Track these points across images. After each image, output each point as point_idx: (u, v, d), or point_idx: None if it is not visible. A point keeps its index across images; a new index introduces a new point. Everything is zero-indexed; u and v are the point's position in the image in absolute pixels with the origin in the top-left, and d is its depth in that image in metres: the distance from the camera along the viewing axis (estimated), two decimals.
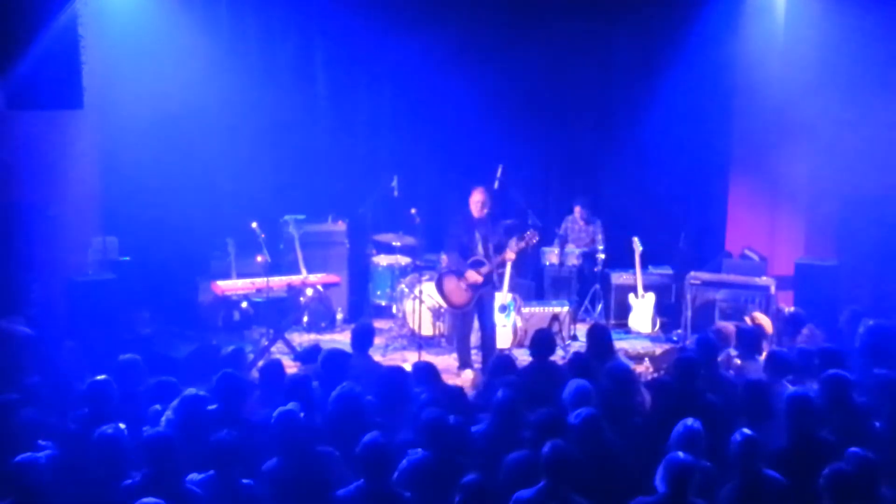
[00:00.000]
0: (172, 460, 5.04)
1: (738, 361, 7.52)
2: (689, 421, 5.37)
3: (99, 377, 6.07)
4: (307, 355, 7.80)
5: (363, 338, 7.45)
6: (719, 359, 7.18)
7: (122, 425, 5.33)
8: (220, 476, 5.10)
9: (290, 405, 5.57)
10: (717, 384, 6.56)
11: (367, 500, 5.02)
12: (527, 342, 7.77)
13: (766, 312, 9.43)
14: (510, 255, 8.84)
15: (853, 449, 5.11)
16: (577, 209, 10.95)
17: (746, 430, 5.26)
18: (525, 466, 5.23)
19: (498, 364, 7.00)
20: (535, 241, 8.98)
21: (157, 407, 6.14)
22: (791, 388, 6.07)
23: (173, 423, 5.76)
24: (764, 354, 7.38)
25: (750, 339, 7.56)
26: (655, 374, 8.04)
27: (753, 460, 5.16)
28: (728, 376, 6.89)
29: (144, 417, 6.01)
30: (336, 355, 6.83)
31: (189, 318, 10.00)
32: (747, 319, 9.07)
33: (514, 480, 5.18)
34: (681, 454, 4.91)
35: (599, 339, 7.50)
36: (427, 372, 6.76)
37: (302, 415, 5.49)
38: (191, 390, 5.95)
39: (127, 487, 5.01)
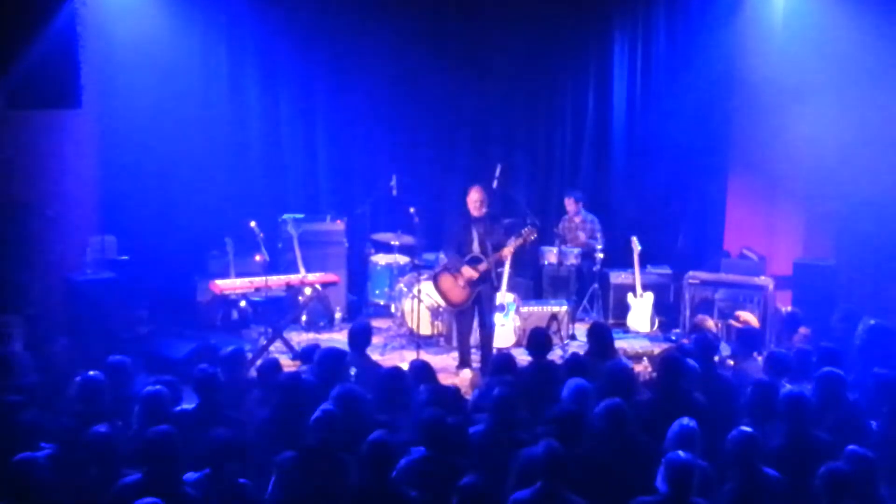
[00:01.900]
0: (173, 458, 5.04)
1: (731, 362, 7.53)
2: (685, 420, 5.38)
3: (90, 373, 6.07)
4: (306, 354, 7.81)
5: (361, 337, 7.45)
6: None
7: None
8: (215, 475, 5.10)
9: (325, 405, 5.58)
10: (713, 383, 6.56)
11: (372, 498, 5.03)
12: (525, 342, 7.76)
13: (764, 312, 9.45)
14: (507, 251, 8.84)
15: (851, 447, 5.11)
16: (569, 201, 10.94)
17: (745, 428, 5.27)
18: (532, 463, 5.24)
19: (498, 363, 7.00)
20: (532, 237, 8.96)
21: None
22: (788, 388, 6.07)
23: (140, 420, 5.77)
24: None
25: (748, 339, 7.57)
26: (654, 374, 8.04)
27: (752, 458, 5.16)
28: (725, 376, 6.89)
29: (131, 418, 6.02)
30: (332, 354, 6.83)
31: (187, 317, 10.00)
32: (733, 322, 9.10)
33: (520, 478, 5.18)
34: (681, 453, 4.90)
35: (600, 337, 7.49)
36: (423, 371, 6.75)
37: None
38: (152, 387, 5.97)
39: (125, 485, 5.00)
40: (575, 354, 7.26)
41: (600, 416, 5.47)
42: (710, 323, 8.89)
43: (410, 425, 5.91)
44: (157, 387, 5.97)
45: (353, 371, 6.90)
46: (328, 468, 5.28)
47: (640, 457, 5.40)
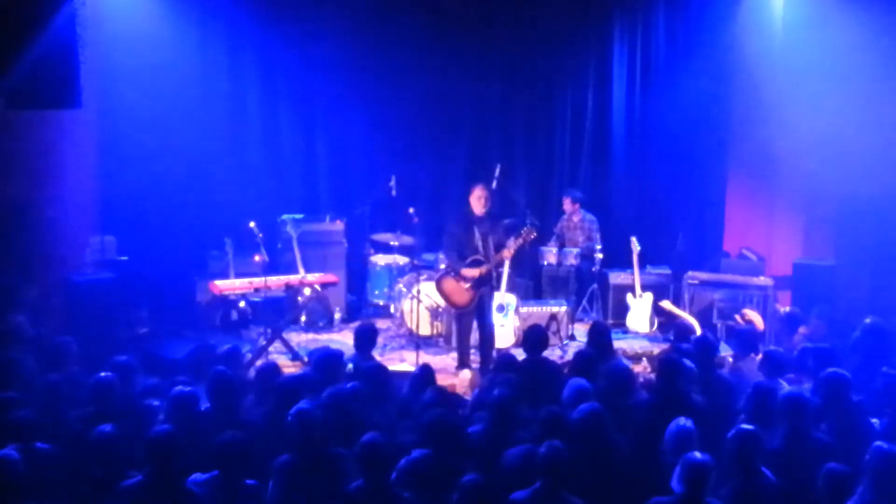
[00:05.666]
0: (175, 459, 5.03)
1: (731, 360, 7.53)
2: (682, 420, 5.38)
3: (102, 374, 6.08)
4: (312, 356, 7.80)
5: (366, 339, 7.44)
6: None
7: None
8: (224, 476, 5.10)
9: (303, 403, 5.57)
10: (712, 384, 6.55)
11: (367, 499, 5.02)
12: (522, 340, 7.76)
13: (764, 312, 9.45)
14: (507, 252, 8.84)
15: (878, 444, 5.05)
16: (566, 201, 10.93)
17: (746, 426, 5.26)
18: (525, 463, 5.24)
19: (500, 363, 6.99)
20: (532, 237, 8.96)
21: (155, 402, 6.16)
22: (787, 388, 6.07)
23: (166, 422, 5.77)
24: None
25: (745, 339, 7.57)
26: (653, 375, 8.04)
27: (752, 456, 5.14)
28: (725, 376, 6.88)
29: (139, 418, 6.01)
30: (329, 356, 6.82)
31: (187, 317, 9.98)
32: (738, 318, 9.10)
33: (513, 477, 5.18)
34: (698, 454, 4.87)
35: (599, 337, 7.49)
36: (422, 377, 6.73)
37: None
38: (181, 388, 5.97)
39: (128, 487, 5.00)
40: (581, 352, 7.23)
41: (578, 420, 5.47)
42: (758, 318, 8.91)
43: (411, 426, 5.92)
44: (188, 388, 5.98)
45: (350, 367, 6.90)
46: (324, 470, 5.27)
47: (621, 459, 5.43)
